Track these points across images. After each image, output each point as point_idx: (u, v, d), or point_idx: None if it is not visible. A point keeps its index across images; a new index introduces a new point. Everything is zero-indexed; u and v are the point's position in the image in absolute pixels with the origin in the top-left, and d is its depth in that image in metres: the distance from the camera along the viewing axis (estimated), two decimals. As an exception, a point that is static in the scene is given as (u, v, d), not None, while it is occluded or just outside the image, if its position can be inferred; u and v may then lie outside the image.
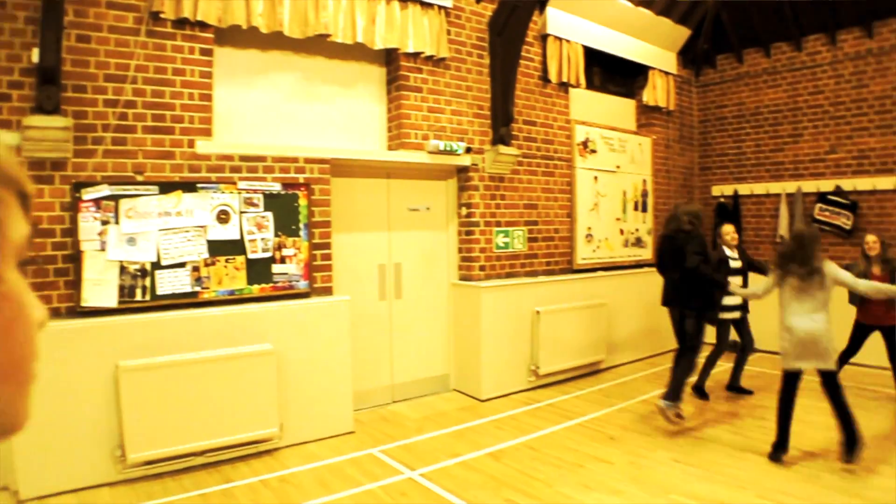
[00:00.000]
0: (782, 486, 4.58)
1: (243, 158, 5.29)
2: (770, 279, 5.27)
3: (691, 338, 5.96)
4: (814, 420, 5.89)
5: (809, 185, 9.01)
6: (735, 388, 7.00)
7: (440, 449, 5.37)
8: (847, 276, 4.95)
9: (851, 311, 6.60)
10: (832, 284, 4.90)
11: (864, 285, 5.01)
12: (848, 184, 8.63)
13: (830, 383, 4.91)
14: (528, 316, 7.23)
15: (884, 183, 8.31)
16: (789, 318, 5.00)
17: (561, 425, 6.03)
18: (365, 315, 6.43)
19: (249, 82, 5.67)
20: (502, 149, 6.95)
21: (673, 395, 5.73)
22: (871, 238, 6.58)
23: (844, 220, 8.59)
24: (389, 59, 6.51)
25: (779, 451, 5.04)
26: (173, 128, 4.99)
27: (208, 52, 5.18)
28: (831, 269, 4.90)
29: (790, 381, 5.00)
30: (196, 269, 4.98)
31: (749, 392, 6.94)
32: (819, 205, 8.83)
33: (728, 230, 7.05)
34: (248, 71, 5.66)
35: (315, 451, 5.28)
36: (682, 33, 9.50)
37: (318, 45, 5.97)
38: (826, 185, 8.82)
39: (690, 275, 5.76)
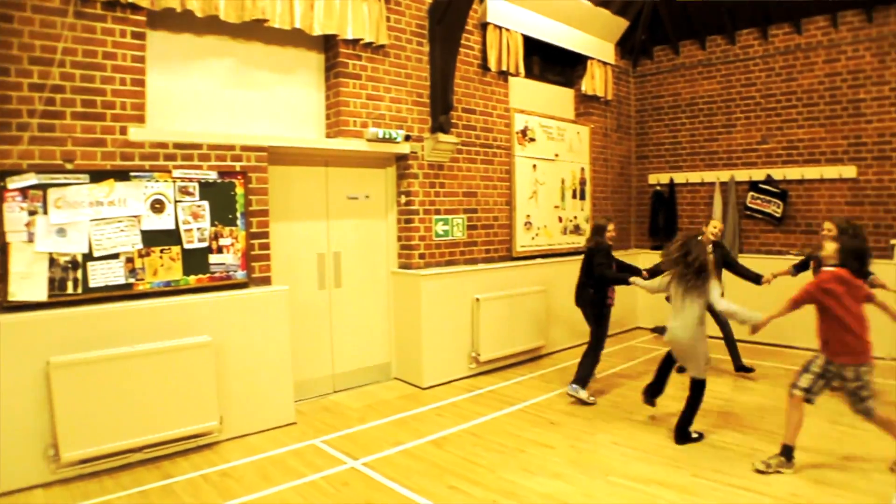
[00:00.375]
0: (716, 465, 4.76)
1: (178, 146, 5.14)
2: (664, 278, 5.51)
3: (592, 332, 6.63)
4: (752, 401, 6.12)
5: (742, 174, 9.32)
6: (741, 368, 7.25)
7: (382, 438, 5.36)
8: (713, 295, 5.14)
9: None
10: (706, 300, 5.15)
11: (721, 306, 5.16)
12: (778, 173, 8.96)
13: (694, 387, 5.31)
14: (468, 303, 7.27)
15: (811, 173, 8.67)
16: (670, 319, 5.34)
17: (502, 411, 6.10)
18: (304, 305, 6.36)
19: (184, 68, 5.51)
20: (441, 137, 6.94)
21: (580, 381, 6.37)
22: (826, 224, 6.41)
23: (775, 209, 8.93)
24: (328, 45, 6.42)
25: (649, 395, 5.75)
26: (104, 114, 4.80)
27: (141, 36, 5.00)
28: (710, 285, 5.14)
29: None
30: (130, 260, 4.84)
31: (751, 370, 7.25)
32: (751, 193, 9.15)
33: (715, 224, 7.28)
34: (182, 56, 5.49)
35: (256, 443, 5.21)
36: (621, 24, 9.64)
37: (256, 31, 5.84)
38: (758, 175, 9.15)
39: (597, 279, 6.42)
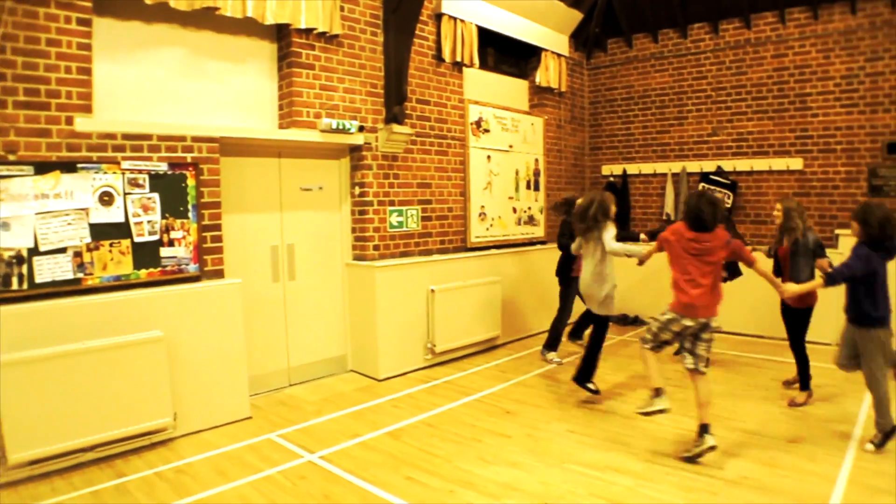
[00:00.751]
0: (670, 450, 4.86)
1: (127, 137, 5.00)
2: (578, 240, 6.08)
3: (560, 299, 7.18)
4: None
5: (693, 166, 9.51)
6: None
7: (339, 430, 5.34)
8: (605, 237, 5.63)
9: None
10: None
11: (614, 247, 5.60)
12: (728, 164, 9.17)
13: (597, 324, 6.00)
14: (423, 294, 7.27)
15: (760, 164, 8.88)
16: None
17: (458, 402, 6.12)
18: (258, 298, 6.28)
19: (133, 56, 5.35)
20: (396, 128, 6.91)
21: (548, 345, 7.23)
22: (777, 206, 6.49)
23: (725, 199, 9.11)
24: (281, 34, 6.31)
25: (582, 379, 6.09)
26: (49, 103, 4.64)
27: (86, 23, 4.83)
28: (604, 231, 5.62)
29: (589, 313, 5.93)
30: (78, 254, 4.70)
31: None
32: (702, 184, 9.32)
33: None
34: (131, 44, 5.33)
35: (211, 439, 5.14)
36: (575, 17, 9.71)
37: (207, 19, 5.72)
38: (709, 166, 9.34)
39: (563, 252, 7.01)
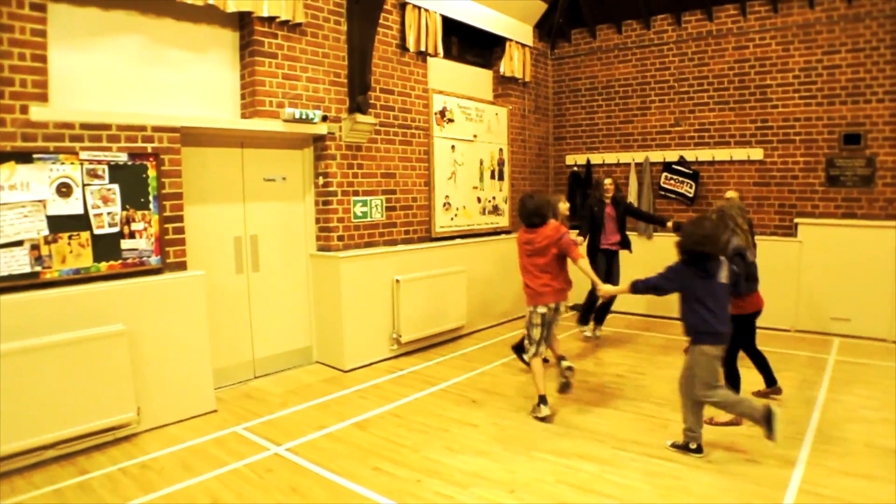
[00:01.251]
0: (635, 436, 4.95)
1: (85, 126, 4.88)
2: None
3: None
4: (664, 374, 6.33)
5: (656, 155, 9.62)
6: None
7: (305, 422, 5.32)
8: None
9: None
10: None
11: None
12: (690, 154, 9.29)
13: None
14: (388, 285, 7.26)
15: (721, 154, 9.02)
16: None
17: (425, 391, 6.14)
18: (222, 290, 6.21)
19: (90, 44, 5.21)
20: (359, 117, 6.86)
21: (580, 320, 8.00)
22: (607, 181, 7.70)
23: (688, 189, 9.25)
24: (243, 23, 6.21)
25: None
26: (2, 91, 4.49)
27: (41, 8, 4.69)
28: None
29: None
30: (35, 247, 4.59)
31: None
32: (665, 174, 9.44)
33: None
34: (88, 31, 5.19)
35: (176, 433, 5.08)
36: (539, 7, 9.73)
37: (166, 6, 5.60)
38: (671, 156, 9.46)
39: None
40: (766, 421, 4.36)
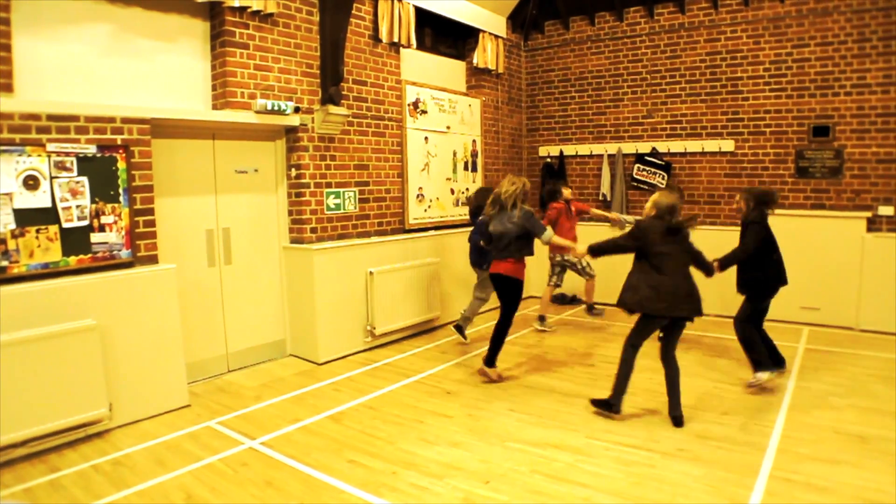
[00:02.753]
0: (608, 426, 5.00)
1: (52, 118, 4.78)
2: None
3: None
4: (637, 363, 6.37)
5: (629, 147, 9.69)
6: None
7: (280, 416, 5.30)
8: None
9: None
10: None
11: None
12: (663, 146, 9.37)
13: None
14: (361, 277, 7.24)
15: (693, 146, 9.10)
16: None
17: (399, 383, 6.14)
18: (194, 283, 6.15)
19: (57, 33, 5.10)
20: (332, 108, 6.82)
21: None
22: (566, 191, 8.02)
23: (660, 180, 9.33)
24: (214, 13, 6.13)
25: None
26: (-35, 82, 4.44)
27: (4, -5, 4.61)
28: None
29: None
30: (2, 241, 4.49)
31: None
32: (637, 165, 9.51)
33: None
34: (55, 20, 5.08)
35: (149, 428, 5.02)
36: (513, -2, 9.74)
37: (135, -5, 5.53)
38: (644, 147, 9.53)
39: None
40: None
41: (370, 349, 7.33)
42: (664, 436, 4.78)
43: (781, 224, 8.37)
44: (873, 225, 7.92)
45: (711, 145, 8.98)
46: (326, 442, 4.76)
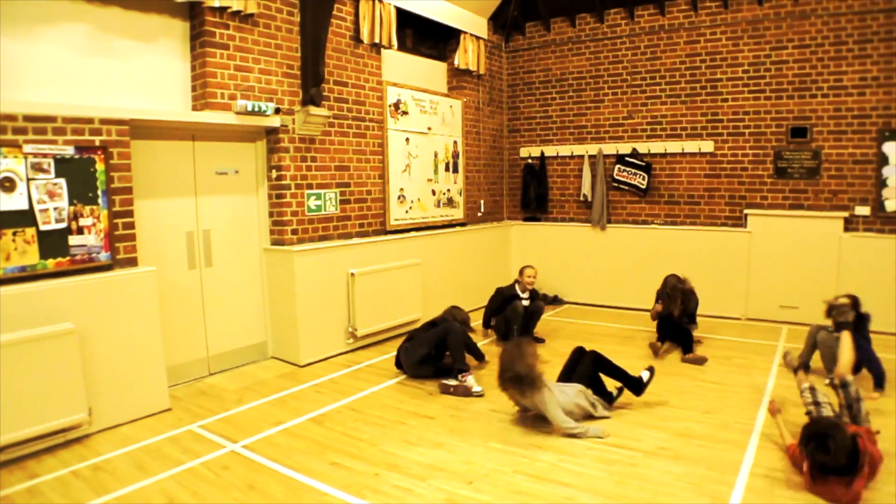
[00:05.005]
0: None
1: (28, 118, 4.70)
2: None
3: None
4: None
5: (609, 147, 9.74)
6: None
7: (261, 418, 5.27)
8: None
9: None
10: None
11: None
12: (643, 147, 9.42)
13: None
14: (343, 278, 7.22)
15: (673, 147, 9.17)
16: None
17: (381, 385, 6.14)
18: (174, 285, 6.09)
19: (34, 32, 5.04)
20: (313, 110, 6.79)
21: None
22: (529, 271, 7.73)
23: (640, 180, 9.39)
24: (193, 13, 6.08)
25: None
26: (-61, 82, 4.37)
27: (-22, -5, 4.55)
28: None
29: None
30: (-22, 244, 4.45)
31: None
32: (618, 166, 9.58)
33: (529, 273, 7.81)
34: (31, 19, 5.02)
35: (130, 433, 4.97)
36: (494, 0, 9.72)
37: (113, -5, 5.47)
38: (624, 148, 9.59)
39: None
40: None
41: (352, 351, 7.32)
42: (646, 434, 4.82)
43: (761, 224, 8.51)
44: (850, 225, 8.02)
45: (691, 146, 9.04)
46: (308, 444, 4.74)
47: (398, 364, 6.50)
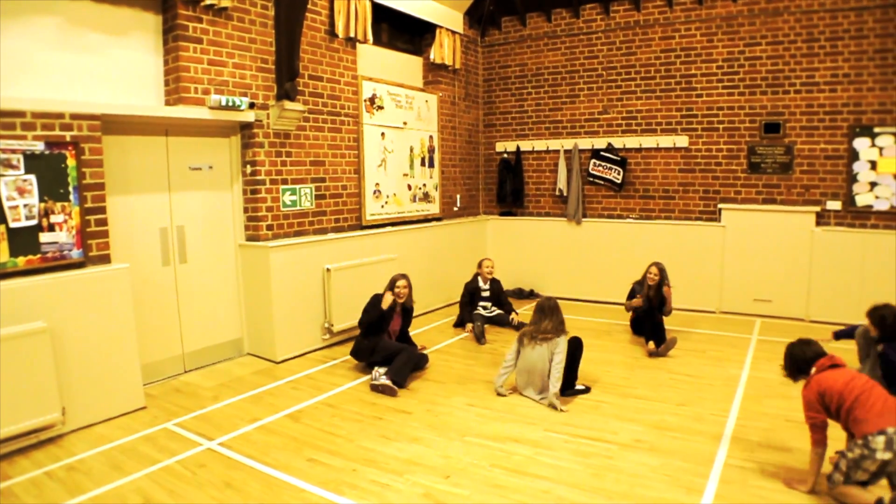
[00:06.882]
0: (567, 418, 5.07)
1: (-4, 114, 4.64)
2: None
3: None
4: (593, 356, 6.44)
5: (585, 142, 9.77)
6: None
7: (238, 415, 5.24)
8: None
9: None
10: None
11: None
12: (618, 141, 9.46)
13: None
14: (318, 274, 7.19)
15: (648, 141, 9.23)
16: None
17: (358, 380, 6.14)
18: (148, 283, 6.03)
19: (2, 26, 4.92)
20: (287, 104, 6.74)
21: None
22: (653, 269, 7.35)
23: (616, 175, 9.44)
24: (166, 6, 6.00)
25: None
26: None
27: (-56, -13, 4.45)
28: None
29: None
30: (-53, 241, 4.37)
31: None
32: (593, 160, 9.62)
33: (487, 264, 8.35)
34: (-1, 13, 4.95)
35: (104, 432, 4.91)
36: (470, -6, 9.74)
37: (83, -13, 5.38)
38: (600, 143, 9.64)
39: None
40: None
41: (328, 346, 7.29)
42: (621, 427, 4.87)
43: (735, 219, 8.60)
44: (822, 219, 8.14)
45: (666, 141, 9.10)
46: (286, 441, 4.72)
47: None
